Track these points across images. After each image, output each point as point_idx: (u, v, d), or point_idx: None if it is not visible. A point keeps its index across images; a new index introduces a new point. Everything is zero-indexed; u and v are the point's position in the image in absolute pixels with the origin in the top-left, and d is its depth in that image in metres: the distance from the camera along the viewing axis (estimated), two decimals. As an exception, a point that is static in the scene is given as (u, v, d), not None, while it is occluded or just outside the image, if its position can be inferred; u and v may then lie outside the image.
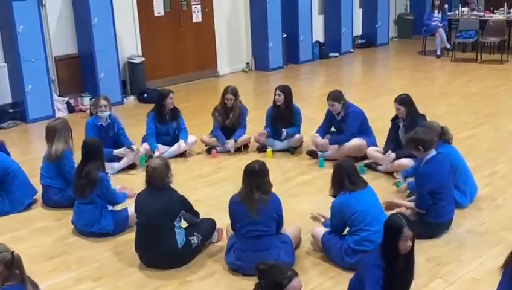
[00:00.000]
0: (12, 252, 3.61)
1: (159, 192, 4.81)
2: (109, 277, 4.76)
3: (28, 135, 8.98)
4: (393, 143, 6.51)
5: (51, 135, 6.03)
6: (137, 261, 4.89)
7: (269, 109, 7.43)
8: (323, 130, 7.13)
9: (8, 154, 6.36)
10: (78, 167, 5.52)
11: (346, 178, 4.63)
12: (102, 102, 6.92)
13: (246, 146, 7.58)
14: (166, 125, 7.30)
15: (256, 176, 4.60)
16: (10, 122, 9.20)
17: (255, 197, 4.54)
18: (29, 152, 7.87)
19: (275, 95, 7.27)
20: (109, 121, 6.90)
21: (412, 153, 5.41)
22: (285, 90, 7.27)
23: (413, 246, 3.74)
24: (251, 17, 12.22)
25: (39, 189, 6.17)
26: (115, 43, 9.98)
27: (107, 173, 5.61)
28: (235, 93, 7.38)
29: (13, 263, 3.58)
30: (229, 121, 7.41)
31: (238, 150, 7.44)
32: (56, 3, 9.76)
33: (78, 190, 5.42)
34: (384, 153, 6.46)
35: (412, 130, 5.60)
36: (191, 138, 7.44)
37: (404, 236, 3.67)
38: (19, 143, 8.27)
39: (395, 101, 6.46)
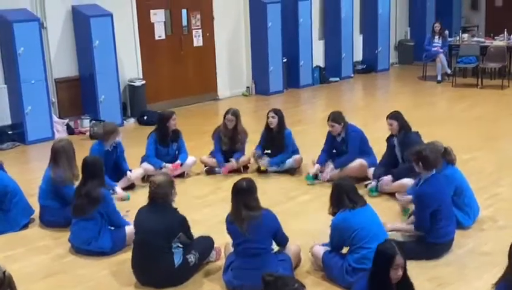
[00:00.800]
0: (4, 272, 3.54)
1: (161, 210, 4.75)
2: (104, 295, 4.67)
3: (27, 155, 8.94)
4: (387, 165, 6.52)
5: (57, 156, 5.96)
6: (133, 280, 4.81)
7: (263, 132, 7.43)
8: (325, 156, 7.07)
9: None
10: (78, 186, 5.47)
11: (345, 196, 4.58)
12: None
13: (245, 167, 7.53)
14: (167, 146, 7.28)
15: (243, 194, 4.56)
16: (9, 144, 9.17)
17: (243, 216, 4.49)
18: (27, 172, 7.82)
19: (268, 117, 7.29)
20: (114, 144, 6.87)
21: (411, 168, 5.36)
22: (279, 113, 7.29)
23: (405, 272, 3.64)
24: (252, 41, 12.28)
25: (36, 208, 6.10)
26: (116, 65, 10.00)
27: (109, 190, 5.53)
28: (236, 115, 7.37)
29: (4, 282, 3.50)
30: (228, 142, 7.38)
31: (237, 171, 7.39)
32: (57, 26, 9.81)
33: (77, 209, 5.36)
34: (377, 177, 6.43)
35: (406, 145, 5.59)
36: (190, 159, 7.40)
37: (395, 264, 3.57)
38: (17, 164, 8.21)
39: (387, 118, 6.52)
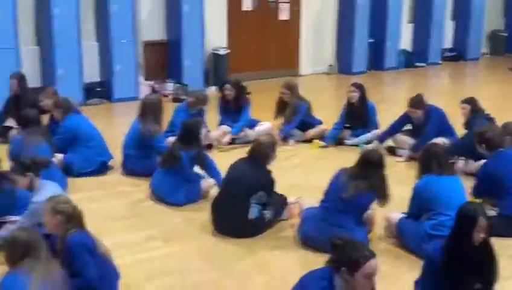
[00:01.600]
0: (73, 205, 3.68)
1: (254, 166, 4.83)
2: (179, 239, 4.79)
3: (112, 112, 9.26)
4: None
5: (146, 110, 6.19)
6: (208, 228, 4.90)
7: (343, 109, 7.34)
8: (390, 132, 6.98)
9: None
10: (175, 142, 5.66)
11: (433, 161, 4.50)
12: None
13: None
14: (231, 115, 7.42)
15: (372, 166, 4.50)
16: (96, 100, 9.50)
17: (361, 185, 4.43)
18: (112, 127, 8.06)
19: (349, 92, 7.18)
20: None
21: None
22: (360, 87, 7.18)
23: (488, 236, 3.48)
24: (339, 19, 12.14)
25: (119, 160, 6.32)
26: (202, 32, 10.14)
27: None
28: (290, 87, 7.38)
29: (73, 217, 3.63)
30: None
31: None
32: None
33: (164, 160, 5.53)
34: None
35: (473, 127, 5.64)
36: (267, 125, 7.45)
37: (479, 226, 3.41)
38: (103, 119, 8.46)
39: (461, 102, 6.57)
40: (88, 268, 3.54)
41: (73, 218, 3.59)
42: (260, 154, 4.86)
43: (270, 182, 4.87)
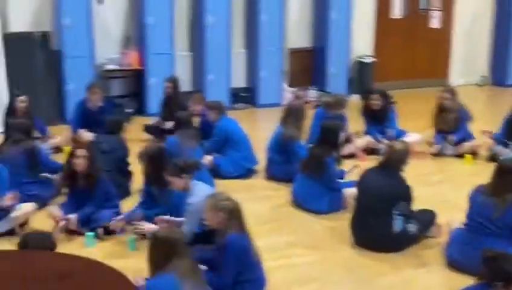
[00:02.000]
0: (234, 202, 3.78)
1: (389, 174, 4.71)
2: (320, 247, 4.79)
3: (256, 117, 9.49)
4: None
5: (288, 115, 6.29)
6: (349, 239, 4.83)
7: (505, 120, 6.88)
8: None
9: None
10: (313, 146, 5.67)
11: None
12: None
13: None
14: (380, 124, 7.27)
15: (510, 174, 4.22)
16: (241, 105, 9.80)
17: (506, 197, 4.16)
18: (256, 131, 8.24)
19: None
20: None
21: None
22: None
23: None
24: (494, 27, 11.47)
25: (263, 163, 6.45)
26: (348, 40, 10.08)
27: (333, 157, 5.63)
28: (452, 92, 7.12)
29: (234, 212, 3.75)
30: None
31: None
32: (299, -3, 10.18)
33: (304, 166, 5.55)
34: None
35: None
36: (415, 136, 7.21)
37: None
38: (247, 122, 8.68)
39: None
40: (229, 273, 3.65)
41: (234, 214, 3.71)
42: (395, 162, 4.70)
43: (408, 190, 4.68)
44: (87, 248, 4.67)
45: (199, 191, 4.38)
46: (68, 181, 4.96)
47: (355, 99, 10.38)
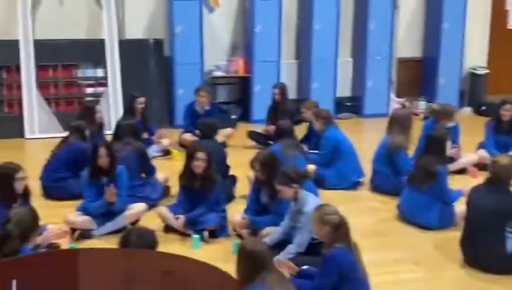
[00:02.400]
0: (341, 216, 3.70)
1: (498, 191, 4.47)
2: (428, 265, 4.61)
3: (362, 127, 9.33)
4: None
5: (393, 123, 6.12)
6: (459, 258, 4.60)
7: None
8: None
9: None
10: (419, 157, 5.49)
11: None
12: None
13: None
14: (508, 135, 6.79)
15: None
16: (347, 114, 9.66)
17: None
18: (361, 142, 8.09)
19: None
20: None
21: None
22: None
23: None
24: None
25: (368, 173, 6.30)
26: (462, 50, 9.70)
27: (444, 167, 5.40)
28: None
29: (341, 226, 3.67)
30: None
31: None
32: (410, 6, 9.90)
33: (412, 178, 5.37)
34: None
35: None
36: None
37: None
38: (352, 133, 8.52)
39: None
40: (323, 286, 3.57)
41: (340, 229, 3.64)
42: (502, 177, 4.46)
43: None
44: (192, 249, 4.75)
45: (312, 202, 4.32)
46: (185, 182, 5.06)
47: (466, 112, 10.00)
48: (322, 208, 3.80)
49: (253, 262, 3.23)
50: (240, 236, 4.90)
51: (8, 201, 4.25)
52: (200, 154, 4.92)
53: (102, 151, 4.94)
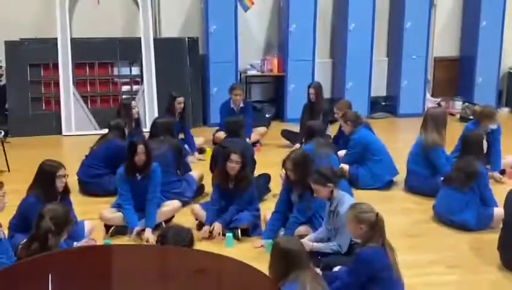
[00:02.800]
0: (377, 214, 3.67)
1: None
2: (465, 267, 4.51)
3: (396, 127, 9.23)
4: None
5: (427, 121, 6.03)
6: (496, 261, 4.51)
7: None
8: None
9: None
10: (458, 158, 5.41)
11: None
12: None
13: None
14: None
15: None
16: (381, 114, 9.57)
17: None
18: (395, 141, 8.00)
19: None
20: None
21: None
22: None
23: None
24: None
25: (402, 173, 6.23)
26: (500, 49, 9.51)
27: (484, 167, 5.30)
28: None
29: (377, 224, 3.64)
30: None
31: None
32: (447, 4, 9.76)
33: (450, 179, 5.28)
34: None
35: None
36: None
37: None
38: (386, 133, 8.46)
39: None
40: (352, 283, 3.54)
41: (376, 227, 3.61)
42: None
43: None
44: (225, 248, 4.77)
45: (347, 202, 4.28)
46: (219, 182, 5.09)
47: (504, 112, 9.81)
48: (357, 206, 3.77)
49: (287, 260, 3.21)
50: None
51: (49, 198, 4.31)
52: (234, 157, 4.94)
53: (141, 148, 4.99)
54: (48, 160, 4.60)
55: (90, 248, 3.69)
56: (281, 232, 4.81)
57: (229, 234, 4.86)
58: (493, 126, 6.46)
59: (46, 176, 4.44)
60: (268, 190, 5.89)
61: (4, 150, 6.84)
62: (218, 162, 5.63)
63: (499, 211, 5.04)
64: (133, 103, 6.98)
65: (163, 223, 5.15)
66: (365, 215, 3.65)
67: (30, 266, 2.98)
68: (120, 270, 3.05)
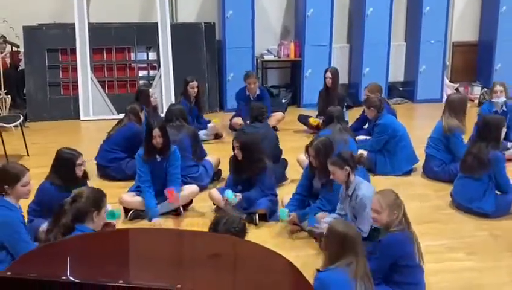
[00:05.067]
0: (400, 200, 3.65)
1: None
2: (482, 254, 4.49)
3: (414, 113, 9.16)
4: None
5: (448, 107, 5.98)
6: (514, 248, 4.50)
7: None
8: None
9: None
10: (472, 143, 5.34)
11: None
12: (498, 88, 6.64)
13: None
14: None
15: None
16: (398, 99, 9.51)
17: None
18: (414, 128, 7.93)
19: None
20: (504, 108, 6.51)
21: None
22: None
23: None
24: None
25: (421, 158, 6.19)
26: (521, 33, 9.40)
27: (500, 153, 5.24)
28: None
29: (399, 209, 3.62)
30: None
31: None
32: (467, -12, 9.66)
33: (466, 166, 5.23)
34: None
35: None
36: None
37: None
38: (404, 119, 8.38)
39: None
40: (376, 270, 3.54)
41: (399, 212, 3.60)
42: None
43: None
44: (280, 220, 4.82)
45: (365, 188, 4.27)
46: (233, 169, 5.11)
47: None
48: (382, 192, 3.75)
49: (343, 244, 3.21)
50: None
51: (68, 185, 4.36)
52: (235, 143, 5.02)
53: (156, 132, 5.03)
54: (66, 148, 4.64)
55: (108, 232, 3.70)
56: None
57: (283, 209, 4.81)
58: (500, 99, 6.42)
59: (66, 164, 4.49)
60: (285, 178, 5.89)
61: (23, 135, 6.90)
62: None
63: (517, 197, 5.03)
64: (151, 91, 7.03)
65: (181, 207, 5.17)
66: (389, 200, 3.63)
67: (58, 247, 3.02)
68: (138, 254, 3.08)
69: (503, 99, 6.56)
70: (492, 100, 6.59)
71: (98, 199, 3.55)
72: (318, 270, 3.24)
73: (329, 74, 7.51)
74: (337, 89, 7.58)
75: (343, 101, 7.50)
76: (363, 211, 4.22)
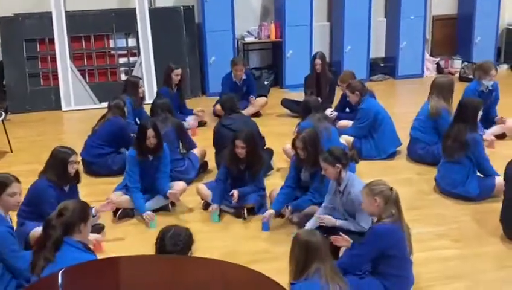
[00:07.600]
0: (391, 188, 3.69)
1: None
2: (468, 240, 4.59)
3: (395, 89, 9.20)
4: None
5: (435, 89, 6.01)
6: (499, 232, 4.59)
7: None
8: None
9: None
10: (450, 126, 5.38)
11: None
12: (494, 72, 6.62)
13: None
14: None
15: None
16: (380, 76, 9.54)
17: None
18: (396, 106, 8.01)
19: None
20: (490, 88, 6.56)
21: None
22: None
23: None
24: None
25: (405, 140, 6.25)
26: (498, 6, 9.45)
27: (481, 135, 5.31)
28: None
29: (391, 198, 3.66)
30: None
31: None
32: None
33: (447, 150, 5.29)
34: None
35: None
36: None
37: None
38: (386, 96, 8.46)
39: None
40: (362, 255, 3.63)
41: (390, 201, 3.64)
42: None
43: None
44: (212, 222, 4.94)
45: (358, 185, 4.24)
46: (230, 164, 5.10)
47: (503, 70, 9.79)
48: (372, 182, 3.79)
49: (307, 252, 3.25)
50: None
51: (61, 182, 4.47)
52: (238, 142, 4.97)
53: (150, 132, 5.02)
54: (60, 146, 4.66)
55: (95, 261, 3.52)
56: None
57: (215, 212, 4.96)
58: (491, 82, 6.45)
59: (60, 162, 4.51)
60: (271, 168, 5.91)
61: (6, 131, 6.80)
62: (219, 139, 5.66)
63: (499, 179, 5.08)
64: (141, 82, 7.00)
65: (170, 205, 5.20)
66: (379, 188, 3.67)
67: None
68: (124, 283, 2.96)
69: (493, 82, 6.59)
70: (483, 81, 6.53)
71: (84, 210, 3.55)
72: (291, 283, 3.28)
73: (318, 60, 7.41)
74: (327, 73, 7.55)
75: (333, 84, 7.48)
76: (358, 208, 4.22)
